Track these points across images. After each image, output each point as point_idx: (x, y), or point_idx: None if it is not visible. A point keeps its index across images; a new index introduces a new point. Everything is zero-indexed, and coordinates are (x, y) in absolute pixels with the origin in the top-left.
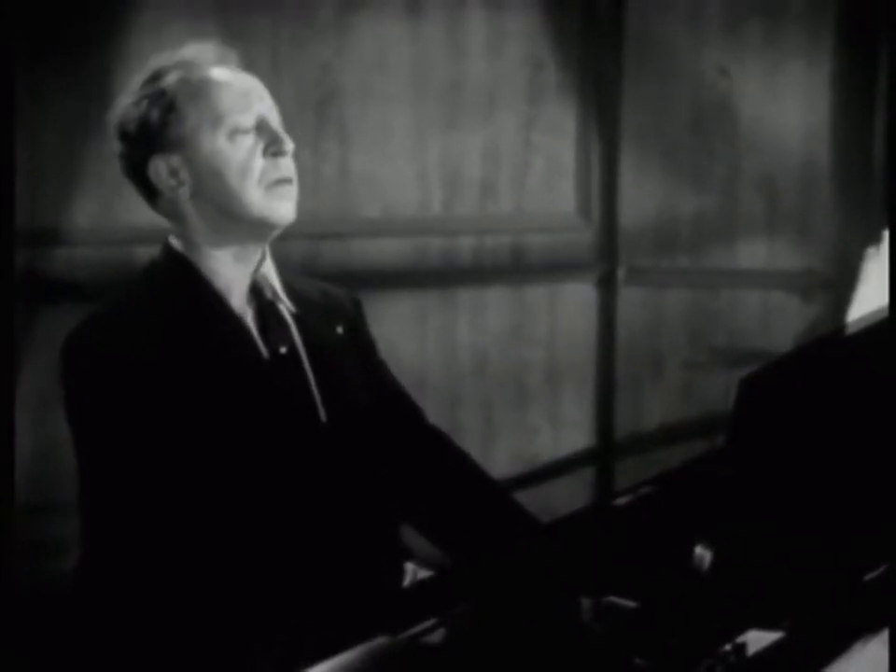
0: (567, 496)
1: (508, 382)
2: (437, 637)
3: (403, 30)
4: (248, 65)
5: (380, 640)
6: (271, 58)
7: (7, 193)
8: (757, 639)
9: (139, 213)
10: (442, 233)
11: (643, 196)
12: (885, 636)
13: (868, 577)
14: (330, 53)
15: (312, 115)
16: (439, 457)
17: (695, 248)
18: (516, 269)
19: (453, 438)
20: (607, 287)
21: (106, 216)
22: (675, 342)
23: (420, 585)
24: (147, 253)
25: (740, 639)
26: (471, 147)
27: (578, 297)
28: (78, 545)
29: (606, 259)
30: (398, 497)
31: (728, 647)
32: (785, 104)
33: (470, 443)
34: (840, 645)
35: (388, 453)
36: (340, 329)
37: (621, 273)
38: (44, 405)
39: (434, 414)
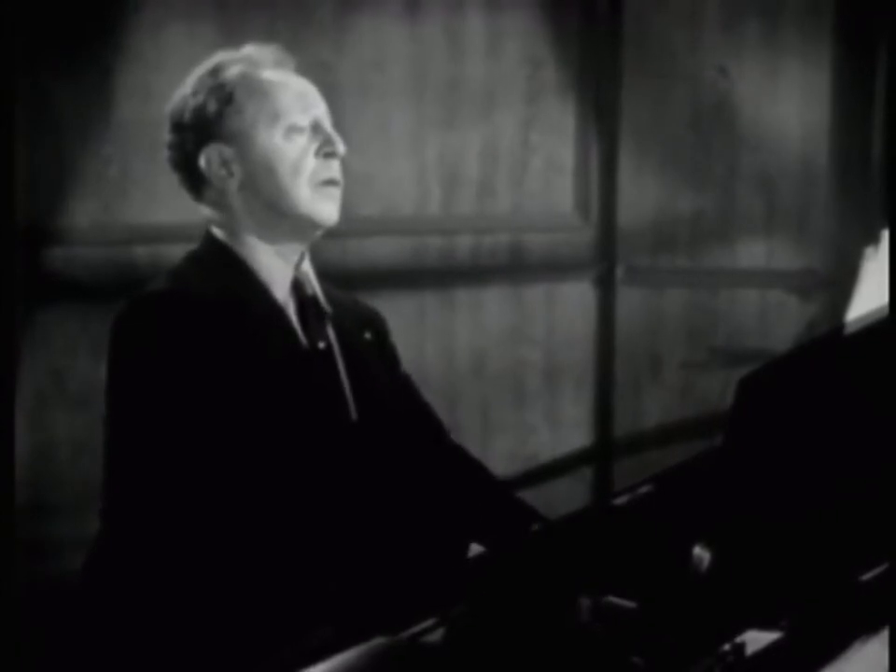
0: (566, 495)
1: (506, 381)
2: (437, 636)
3: (402, 29)
4: (304, 71)
5: (380, 640)
6: None
7: (7, 193)
8: (755, 639)
9: (139, 213)
10: (441, 233)
11: (642, 195)
12: (884, 636)
13: (867, 577)
14: (329, 52)
15: None
16: (459, 473)
17: (694, 248)
18: (514, 268)
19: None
20: (605, 286)
21: (106, 216)
22: (673, 341)
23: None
24: (146, 253)
25: (739, 639)
26: (470, 146)
27: (576, 296)
28: (98, 523)
29: (604, 258)
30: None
31: (727, 647)
32: (784, 103)
33: (469, 443)
34: (839, 645)
35: (411, 460)
36: (369, 336)
37: (619, 272)
38: (44, 405)
39: None
